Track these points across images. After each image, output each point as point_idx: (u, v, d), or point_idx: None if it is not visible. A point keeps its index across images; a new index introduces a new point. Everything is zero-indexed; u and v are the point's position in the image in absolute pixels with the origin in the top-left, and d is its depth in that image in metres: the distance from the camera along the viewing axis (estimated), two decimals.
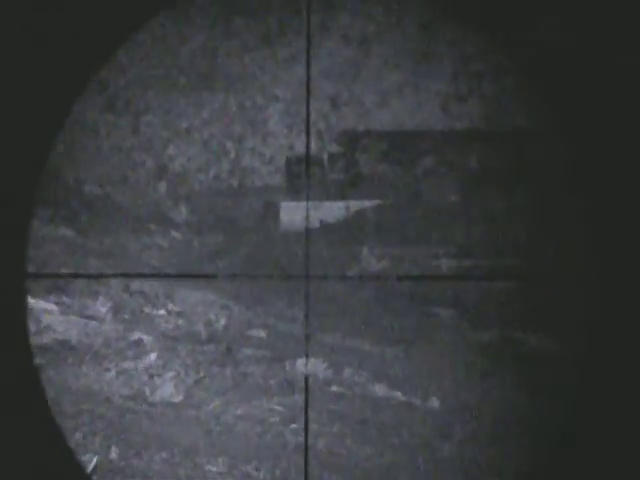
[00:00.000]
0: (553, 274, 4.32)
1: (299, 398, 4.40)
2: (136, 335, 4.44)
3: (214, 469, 4.34)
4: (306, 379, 4.34)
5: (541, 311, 4.34)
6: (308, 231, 4.42)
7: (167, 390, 4.39)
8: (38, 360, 4.42)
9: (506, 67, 4.39)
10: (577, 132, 4.29)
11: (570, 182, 4.32)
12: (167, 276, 4.46)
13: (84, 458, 4.36)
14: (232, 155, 4.50)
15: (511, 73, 4.39)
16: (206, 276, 4.47)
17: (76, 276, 4.45)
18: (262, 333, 4.45)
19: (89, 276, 4.47)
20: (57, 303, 4.43)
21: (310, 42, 4.45)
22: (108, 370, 4.42)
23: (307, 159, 4.46)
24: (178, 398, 4.39)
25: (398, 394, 4.39)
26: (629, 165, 4.18)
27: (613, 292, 4.19)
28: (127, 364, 4.42)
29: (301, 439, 4.37)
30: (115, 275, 4.46)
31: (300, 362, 4.41)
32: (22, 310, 4.30)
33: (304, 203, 4.46)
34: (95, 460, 4.23)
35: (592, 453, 4.19)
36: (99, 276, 4.46)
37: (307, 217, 4.43)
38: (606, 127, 4.24)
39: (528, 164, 4.41)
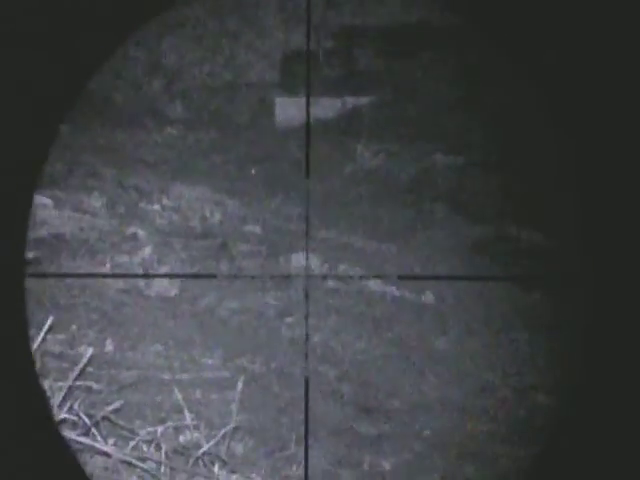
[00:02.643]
0: (546, 169, 4.30)
1: (294, 292, 4.39)
2: (131, 229, 4.42)
3: (209, 362, 4.34)
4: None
5: (534, 206, 4.34)
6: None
7: (162, 284, 4.38)
8: (34, 253, 4.41)
9: None
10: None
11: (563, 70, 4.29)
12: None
13: (79, 349, 4.35)
14: (227, 51, 4.47)
15: None
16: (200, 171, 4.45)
17: (71, 171, 4.43)
18: (257, 229, 4.43)
19: (84, 171, 4.44)
20: (52, 197, 4.41)
21: None
22: (103, 264, 4.40)
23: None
24: (173, 292, 4.38)
25: (393, 289, 4.38)
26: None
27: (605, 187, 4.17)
28: (122, 258, 4.40)
29: (297, 333, 4.37)
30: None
31: (295, 257, 4.40)
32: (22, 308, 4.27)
33: (299, 98, 4.44)
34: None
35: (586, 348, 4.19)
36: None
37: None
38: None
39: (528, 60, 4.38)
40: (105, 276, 4.44)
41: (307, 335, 4.36)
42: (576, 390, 4.11)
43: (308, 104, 4.32)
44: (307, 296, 4.42)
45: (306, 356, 4.26)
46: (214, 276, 4.40)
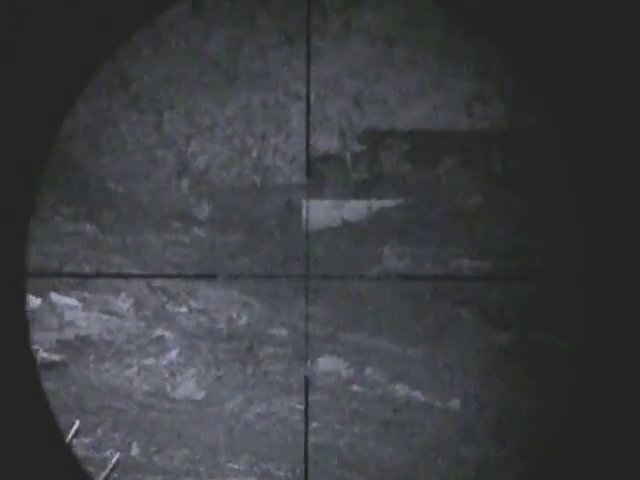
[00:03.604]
0: (567, 275, 4.32)
1: (321, 397, 4.40)
2: (158, 332, 4.44)
3: (235, 467, 4.35)
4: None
5: (560, 312, 4.35)
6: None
7: (188, 387, 4.40)
8: (59, 356, 4.43)
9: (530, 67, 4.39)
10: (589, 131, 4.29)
11: (580, 182, 4.32)
12: (189, 274, 4.46)
13: (105, 454, 4.36)
14: (254, 153, 4.51)
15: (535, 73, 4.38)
16: (228, 275, 4.48)
17: (98, 274, 4.45)
18: (283, 331, 4.45)
19: (111, 273, 4.47)
20: (79, 299, 4.43)
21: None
22: (130, 366, 4.43)
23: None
24: (199, 395, 4.40)
25: (419, 394, 4.39)
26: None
27: (624, 292, 4.20)
28: (148, 361, 4.42)
29: (322, 438, 4.38)
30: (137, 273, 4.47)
31: (321, 361, 4.41)
32: (22, 311, 4.30)
33: (327, 201, 4.47)
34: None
35: (606, 455, 4.20)
36: (120, 274, 4.47)
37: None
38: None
39: (549, 165, 4.42)
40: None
41: (332, 440, 4.37)
42: None
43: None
44: (333, 400, 4.43)
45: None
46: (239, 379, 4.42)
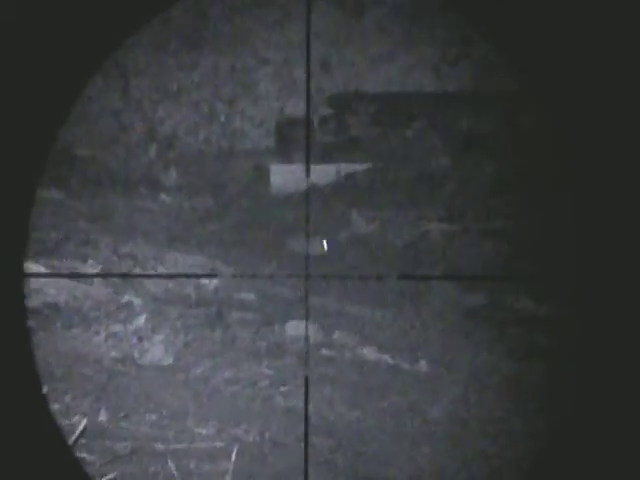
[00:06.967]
0: (537, 237, 4.31)
1: (289, 361, 4.38)
2: (125, 298, 4.42)
3: (203, 432, 4.33)
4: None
5: (530, 274, 4.34)
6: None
7: (156, 353, 4.38)
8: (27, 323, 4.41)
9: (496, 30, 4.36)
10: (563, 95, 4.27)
11: (555, 148, 4.30)
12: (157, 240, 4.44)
13: (73, 420, 4.34)
14: (222, 118, 4.48)
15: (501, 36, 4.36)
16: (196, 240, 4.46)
17: (66, 239, 4.43)
18: (252, 296, 4.43)
19: (78, 239, 4.45)
20: (46, 265, 4.41)
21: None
22: (97, 333, 4.41)
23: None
24: (167, 361, 4.38)
25: (387, 357, 4.38)
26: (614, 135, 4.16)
27: (599, 254, 4.18)
28: (116, 327, 4.40)
29: (290, 402, 4.36)
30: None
31: (290, 325, 4.39)
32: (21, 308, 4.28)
33: (294, 166, 4.44)
34: (82, 426, 4.22)
35: (579, 415, 4.19)
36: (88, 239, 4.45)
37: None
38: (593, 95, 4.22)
39: (518, 128, 4.39)
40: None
41: (303, 404, 4.36)
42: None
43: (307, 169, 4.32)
44: (302, 364, 4.41)
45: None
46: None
